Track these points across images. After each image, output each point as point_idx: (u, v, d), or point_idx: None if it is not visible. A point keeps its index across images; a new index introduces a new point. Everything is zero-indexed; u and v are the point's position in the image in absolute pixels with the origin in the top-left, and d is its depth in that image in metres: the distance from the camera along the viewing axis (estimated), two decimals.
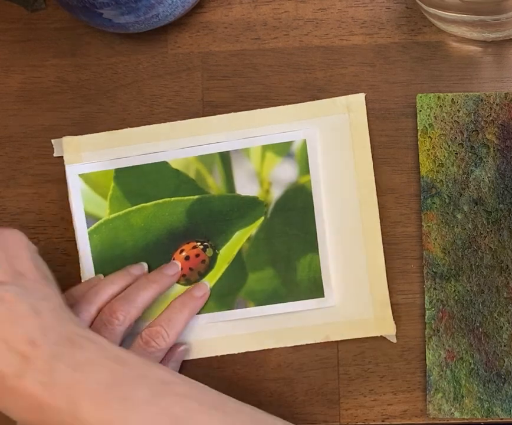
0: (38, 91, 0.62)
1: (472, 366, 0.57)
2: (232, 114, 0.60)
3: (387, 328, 0.59)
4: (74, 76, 0.62)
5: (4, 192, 0.62)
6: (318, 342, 0.59)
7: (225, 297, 0.59)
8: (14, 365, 0.44)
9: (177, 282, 0.60)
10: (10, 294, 0.46)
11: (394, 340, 0.59)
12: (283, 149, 0.59)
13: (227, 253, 0.59)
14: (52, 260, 0.61)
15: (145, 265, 0.59)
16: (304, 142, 0.59)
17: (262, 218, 0.59)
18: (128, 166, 0.60)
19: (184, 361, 0.60)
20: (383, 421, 0.59)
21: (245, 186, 0.60)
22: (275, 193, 0.59)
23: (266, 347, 0.60)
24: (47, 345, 0.45)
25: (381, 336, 0.59)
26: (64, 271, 0.61)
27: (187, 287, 0.59)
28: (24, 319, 0.46)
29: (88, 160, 0.60)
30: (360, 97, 0.59)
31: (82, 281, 0.60)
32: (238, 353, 0.60)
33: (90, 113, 0.61)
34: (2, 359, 0.44)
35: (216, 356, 0.60)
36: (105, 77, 0.62)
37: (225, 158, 0.59)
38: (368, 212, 0.59)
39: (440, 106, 0.58)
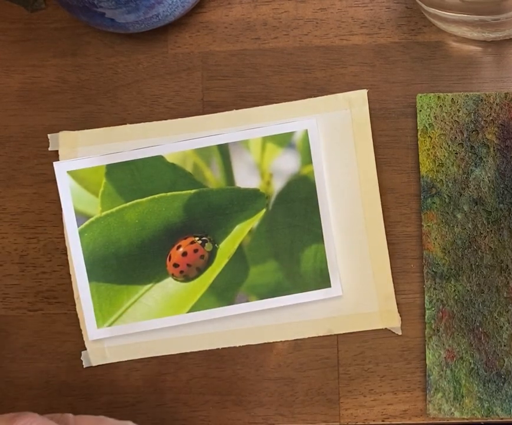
0: (38, 91, 0.62)
1: (472, 366, 0.57)
2: (232, 111, 0.60)
3: (392, 320, 0.59)
4: (74, 76, 0.62)
5: (4, 192, 0.62)
6: (321, 335, 0.59)
7: (225, 292, 0.59)
8: None
9: (176, 279, 0.59)
10: None
11: (399, 332, 0.59)
12: (284, 140, 0.59)
13: (227, 247, 0.59)
14: (52, 260, 0.61)
15: None
16: (306, 132, 0.59)
17: (264, 210, 0.59)
18: (120, 161, 0.59)
19: (183, 359, 0.60)
20: (383, 421, 0.59)
21: (245, 179, 0.59)
22: (277, 185, 0.59)
23: (267, 341, 0.60)
24: None
25: (383, 333, 0.59)
26: (64, 271, 0.61)
27: (186, 283, 0.59)
28: None
29: (83, 155, 0.60)
30: (362, 93, 0.59)
31: (73, 283, 0.60)
32: (239, 353, 0.60)
33: (90, 113, 0.61)
34: None
35: (216, 356, 0.60)
36: (105, 77, 0.62)
37: (223, 150, 0.59)
38: (371, 206, 0.59)
39: (440, 106, 0.58)
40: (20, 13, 0.62)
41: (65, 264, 0.61)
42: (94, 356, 0.60)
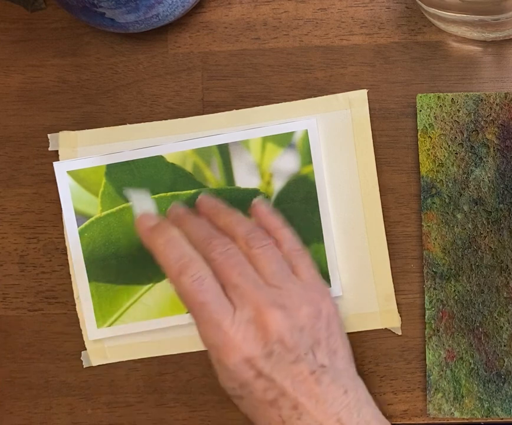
0: (38, 91, 0.62)
1: (472, 366, 0.57)
2: (232, 111, 0.60)
3: (392, 321, 0.59)
4: (74, 76, 0.62)
5: (4, 192, 0.62)
6: None
7: None
8: None
9: None
10: (328, 378, 0.50)
11: (399, 332, 0.59)
12: (284, 140, 0.59)
13: None
14: (52, 260, 0.61)
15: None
16: (306, 132, 0.59)
17: None
18: (120, 161, 0.59)
19: (183, 359, 0.60)
20: None
21: (245, 179, 0.59)
22: (277, 185, 0.59)
23: None
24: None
25: (383, 333, 0.59)
26: (64, 271, 0.61)
27: None
28: (335, 400, 0.50)
29: (83, 155, 0.60)
30: (362, 93, 0.59)
31: (73, 283, 0.60)
32: None
33: (90, 113, 0.61)
34: None
35: None
36: (105, 77, 0.62)
37: (223, 150, 0.59)
38: (371, 206, 0.59)
39: (440, 106, 0.58)
40: (20, 13, 0.62)
41: (65, 264, 0.61)
42: (94, 356, 0.60)
